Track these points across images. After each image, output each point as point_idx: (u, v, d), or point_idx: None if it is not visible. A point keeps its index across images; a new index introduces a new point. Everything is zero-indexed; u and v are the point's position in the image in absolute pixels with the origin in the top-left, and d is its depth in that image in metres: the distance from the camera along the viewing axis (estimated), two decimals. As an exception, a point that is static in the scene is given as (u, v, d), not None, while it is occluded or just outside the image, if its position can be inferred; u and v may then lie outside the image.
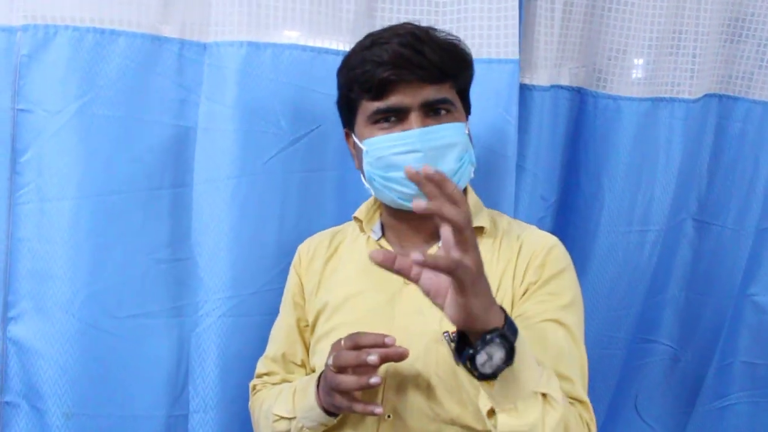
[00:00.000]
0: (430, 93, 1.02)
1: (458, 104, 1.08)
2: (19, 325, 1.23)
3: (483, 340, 0.79)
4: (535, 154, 1.43)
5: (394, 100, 1.02)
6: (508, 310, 0.99)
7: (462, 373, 0.97)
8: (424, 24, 1.08)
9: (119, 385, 1.26)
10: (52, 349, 1.22)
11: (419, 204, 0.72)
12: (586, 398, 0.99)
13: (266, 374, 1.20)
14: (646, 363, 1.66)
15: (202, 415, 1.29)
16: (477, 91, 1.22)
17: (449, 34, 1.06)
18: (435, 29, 1.05)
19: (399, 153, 1.02)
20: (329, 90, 1.27)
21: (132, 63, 1.23)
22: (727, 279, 1.65)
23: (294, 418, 1.05)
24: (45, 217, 1.22)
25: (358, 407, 0.93)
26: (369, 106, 1.04)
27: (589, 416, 0.98)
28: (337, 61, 1.26)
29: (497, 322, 0.81)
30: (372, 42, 1.03)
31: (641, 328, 1.62)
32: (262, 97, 1.26)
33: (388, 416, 1.02)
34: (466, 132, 1.07)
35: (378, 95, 1.02)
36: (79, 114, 1.21)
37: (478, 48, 1.30)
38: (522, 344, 0.82)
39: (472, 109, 1.17)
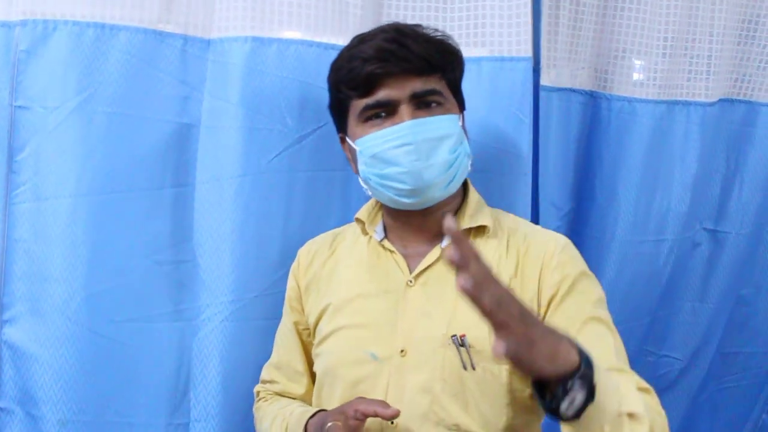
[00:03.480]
0: (418, 85, 1.01)
1: (450, 97, 1.06)
2: (14, 329, 1.19)
3: (563, 389, 0.75)
4: (543, 157, 1.40)
5: (382, 94, 1.01)
6: None
7: (469, 378, 0.98)
8: (432, 23, 1.08)
9: (117, 392, 1.21)
10: (48, 353, 1.17)
11: (451, 254, 0.67)
12: (648, 385, 0.95)
13: (269, 381, 1.19)
14: (651, 378, 1.62)
15: (204, 424, 1.25)
16: (489, 91, 1.20)
17: (437, 30, 1.06)
18: (422, 26, 1.05)
19: (391, 148, 1.00)
20: (335, 87, 1.25)
21: (133, 59, 1.19)
22: (731, 284, 1.64)
23: None
24: (41, 217, 1.18)
25: None
26: (358, 104, 1.03)
27: (657, 402, 0.93)
28: (344, 58, 1.24)
29: (572, 362, 0.75)
30: (358, 41, 1.04)
31: (649, 340, 1.59)
32: (266, 94, 1.23)
33: (392, 422, 1.00)
34: (460, 124, 1.06)
35: (365, 91, 1.01)
36: (79, 111, 1.17)
37: (489, 46, 1.27)
38: (599, 373, 0.77)
39: (484, 109, 1.14)
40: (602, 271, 1.47)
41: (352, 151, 1.07)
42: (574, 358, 0.75)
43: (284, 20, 1.23)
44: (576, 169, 1.48)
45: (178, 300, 1.25)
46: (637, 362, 1.56)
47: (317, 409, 1.05)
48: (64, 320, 1.17)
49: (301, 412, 1.06)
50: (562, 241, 1.07)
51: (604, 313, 1.02)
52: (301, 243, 1.21)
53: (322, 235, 1.20)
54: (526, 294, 1.02)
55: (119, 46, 1.18)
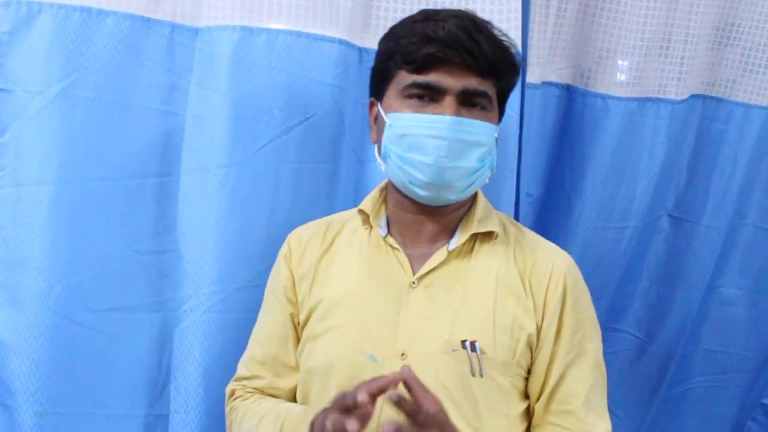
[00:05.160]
0: (473, 82, 0.98)
1: (495, 105, 1.03)
2: (-9, 317, 1.16)
3: None
4: (524, 150, 1.42)
5: (434, 77, 0.97)
6: (526, 326, 1.01)
7: (474, 384, 0.97)
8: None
9: (96, 383, 1.19)
10: (26, 342, 1.14)
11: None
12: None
13: (248, 378, 1.12)
14: (613, 352, 1.67)
15: (183, 415, 1.23)
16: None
17: (504, 35, 1.03)
18: (493, 26, 1.02)
19: (424, 136, 0.97)
20: (324, 78, 1.25)
21: (119, 45, 1.17)
22: (698, 275, 1.68)
23: None
24: (21, 203, 1.15)
25: None
26: (406, 78, 0.99)
27: None
28: (333, 49, 1.26)
29: None
30: (426, 17, 0.99)
31: (609, 316, 1.64)
32: (254, 84, 1.22)
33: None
34: (495, 136, 1.03)
35: (419, 69, 0.97)
36: (62, 96, 1.15)
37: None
38: None
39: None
40: (567, 254, 1.52)
41: (380, 122, 1.03)
42: None
43: (273, 10, 1.22)
44: (548, 158, 1.54)
45: (160, 290, 1.23)
46: (603, 339, 1.64)
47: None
48: (43, 309, 1.15)
49: (303, 409, 1.00)
50: (567, 261, 1.07)
51: (593, 345, 1.05)
52: (287, 236, 1.17)
53: (312, 224, 1.15)
54: (532, 307, 1.02)
55: (105, 31, 1.16)
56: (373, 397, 0.81)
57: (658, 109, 1.52)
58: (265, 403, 1.06)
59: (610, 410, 1.06)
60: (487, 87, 0.99)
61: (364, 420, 0.83)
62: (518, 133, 1.30)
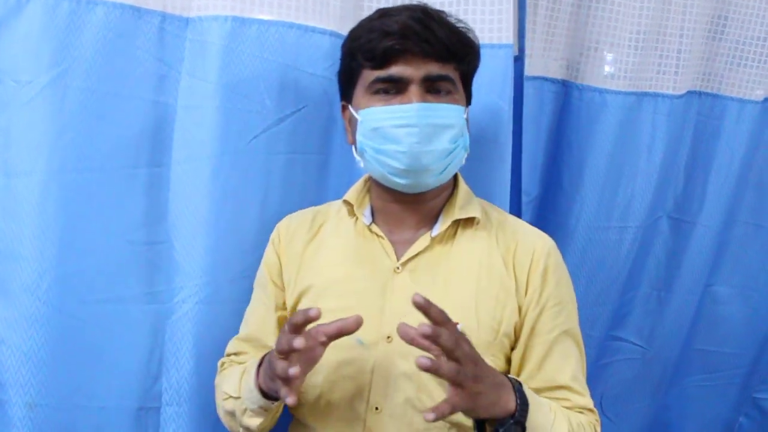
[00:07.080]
0: (434, 68, 1.01)
1: (460, 88, 1.07)
2: (-19, 309, 1.14)
3: (497, 430, 0.90)
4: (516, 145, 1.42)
5: (395, 70, 1.00)
6: (507, 305, 1.04)
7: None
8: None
9: (87, 375, 1.18)
10: (15, 334, 1.13)
11: (422, 362, 0.80)
12: (593, 405, 1.06)
13: (235, 354, 1.15)
14: (615, 361, 1.66)
15: (176, 408, 1.23)
16: (470, 77, 1.21)
17: (460, 20, 1.07)
18: (447, 14, 1.06)
19: (395, 126, 1.00)
20: (315, 69, 1.25)
21: (110, 34, 1.16)
22: (695, 277, 1.68)
23: (239, 398, 1.03)
24: (11, 194, 1.14)
25: (282, 391, 0.87)
26: (369, 75, 1.02)
27: (596, 419, 1.06)
28: (324, 40, 1.25)
29: (508, 409, 0.90)
30: (381, 14, 1.03)
31: (612, 325, 1.63)
32: (246, 75, 1.21)
33: (376, 408, 1.01)
34: (465, 117, 1.06)
35: (380, 64, 1.01)
36: (52, 85, 1.13)
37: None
38: (534, 413, 0.91)
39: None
40: (566, 256, 1.47)
41: (353, 121, 1.07)
42: (511, 406, 0.90)
43: (265, 1, 1.22)
44: (545, 156, 1.52)
45: (152, 282, 1.22)
46: (604, 347, 1.61)
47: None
48: (34, 301, 1.14)
49: (259, 356, 1.03)
50: (549, 243, 1.10)
51: (574, 324, 1.08)
52: (278, 226, 1.19)
53: (301, 212, 1.19)
54: (514, 288, 1.05)
55: (95, 21, 1.15)
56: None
57: (656, 104, 1.51)
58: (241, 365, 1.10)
59: (606, 416, 1.08)
60: (449, 71, 1.03)
61: (309, 363, 0.93)
62: (510, 124, 1.30)
